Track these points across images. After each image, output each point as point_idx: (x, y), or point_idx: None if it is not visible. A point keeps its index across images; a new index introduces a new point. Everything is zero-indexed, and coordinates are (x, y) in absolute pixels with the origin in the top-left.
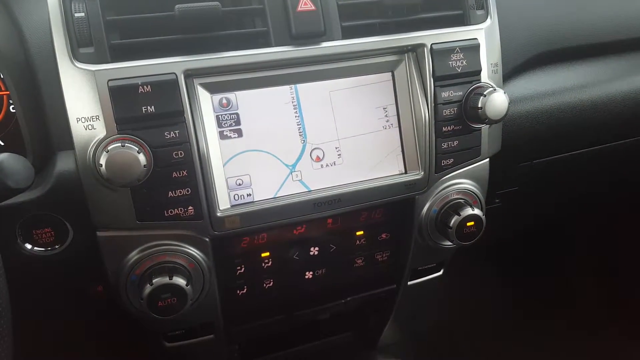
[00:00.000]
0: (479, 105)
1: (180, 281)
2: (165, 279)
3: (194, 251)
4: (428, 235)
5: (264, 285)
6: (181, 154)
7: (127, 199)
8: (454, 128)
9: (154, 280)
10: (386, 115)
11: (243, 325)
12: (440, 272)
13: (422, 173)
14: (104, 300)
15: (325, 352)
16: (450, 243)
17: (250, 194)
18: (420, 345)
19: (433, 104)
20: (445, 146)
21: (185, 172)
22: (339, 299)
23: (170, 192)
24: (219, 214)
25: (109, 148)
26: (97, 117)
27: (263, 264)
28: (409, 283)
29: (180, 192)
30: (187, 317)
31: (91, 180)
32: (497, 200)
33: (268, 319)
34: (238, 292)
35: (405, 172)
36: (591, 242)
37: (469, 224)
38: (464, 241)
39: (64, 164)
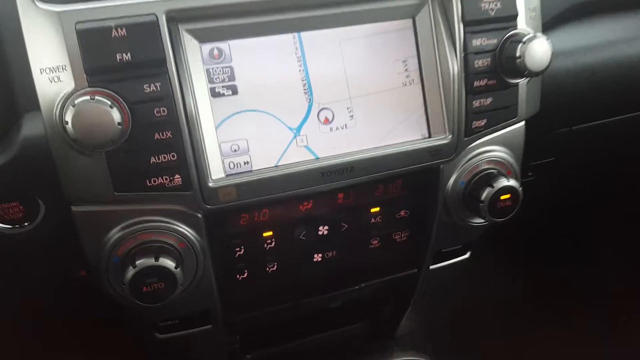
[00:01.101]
0: (517, 55)
1: (168, 263)
2: (151, 261)
3: (184, 229)
4: (455, 211)
5: (267, 269)
6: (164, 111)
7: (102, 166)
8: (487, 83)
9: (137, 262)
10: (406, 70)
11: (244, 315)
12: (467, 255)
13: (450, 137)
14: (88, 287)
15: (336, 345)
16: (480, 220)
17: (247, 162)
18: (440, 336)
19: (462, 54)
20: (477, 105)
21: (169, 134)
22: (352, 285)
23: (152, 158)
24: (211, 185)
25: (76, 102)
26: (64, 68)
27: (265, 245)
28: (431, 267)
29: (164, 157)
30: (180, 305)
31: (60, 143)
32: (530, 174)
33: (272, 307)
34: (238, 276)
35: (429, 137)
36: (636, 225)
37: (503, 197)
38: (497, 217)
39: (30, 127)
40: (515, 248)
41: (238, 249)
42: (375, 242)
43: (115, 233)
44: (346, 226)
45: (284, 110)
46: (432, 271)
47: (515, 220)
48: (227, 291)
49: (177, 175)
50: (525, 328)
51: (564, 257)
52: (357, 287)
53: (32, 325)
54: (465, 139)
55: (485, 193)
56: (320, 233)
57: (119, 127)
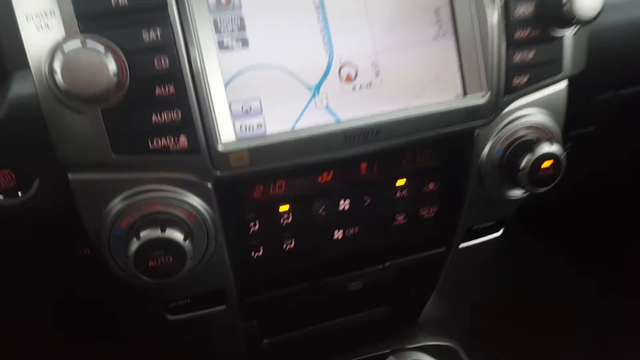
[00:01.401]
0: (564, 1)
1: (176, 235)
2: (157, 232)
3: (193, 200)
4: (489, 183)
5: (284, 246)
6: (165, 62)
7: (98, 126)
8: (529, 33)
9: (141, 234)
10: (438, 21)
11: (260, 295)
12: (499, 233)
13: (488, 95)
14: (93, 264)
15: (356, 330)
16: (518, 192)
17: (261, 125)
18: (466, 322)
19: (502, 1)
20: (518, 58)
21: (172, 89)
22: (375, 264)
23: (154, 116)
24: (221, 148)
25: (65, 49)
26: (52, 13)
27: (282, 220)
28: (461, 246)
29: (167, 115)
30: (192, 282)
31: (51, 100)
32: (568, 145)
33: (289, 288)
34: (252, 254)
35: (465, 95)
36: None
37: (545, 164)
38: (537, 187)
39: (20, 86)
40: (546, 228)
41: (252, 224)
42: (401, 217)
43: (117, 204)
44: (369, 200)
45: (301, 66)
46: (462, 250)
47: (548, 197)
48: (242, 269)
49: (182, 136)
50: (559, 316)
51: (599, 239)
52: (380, 267)
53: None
54: (505, 97)
55: (525, 160)
56: (340, 208)
57: (115, 78)
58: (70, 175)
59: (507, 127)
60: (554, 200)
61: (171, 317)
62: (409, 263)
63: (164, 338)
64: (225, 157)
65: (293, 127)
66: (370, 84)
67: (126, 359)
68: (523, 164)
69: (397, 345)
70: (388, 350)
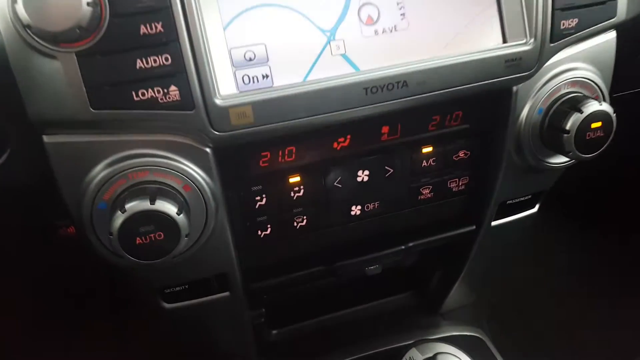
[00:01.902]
0: None
1: (168, 207)
2: (145, 204)
3: (189, 167)
4: (529, 148)
5: (295, 224)
6: None
7: (73, 72)
8: None
9: (127, 206)
10: None
11: (268, 280)
12: (535, 209)
13: (532, 42)
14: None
15: (373, 319)
16: (560, 160)
17: (267, 75)
18: (494, 308)
19: None
20: None
21: (159, 27)
22: (396, 245)
23: (139, 61)
24: (219, 102)
25: None
26: None
27: (292, 194)
28: (493, 223)
29: (154, 60)
30: (189, 265)
31: (17, 44)
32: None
33: (300, 272)
34: (259, 232)
35: (504, 43)
36: None
37: (594, 125)
38: (585, 152)
39: None
40: (579, 206)
41: (259, 197)
42: (427, 191)
43: (99, 171)
44: (391, 171)
45: (314, 5)
46: (493, 229)
47: (591, 169)
48: (247, 250)
49: (172, 87)
50: (592, 305)
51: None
52: (402, 248)
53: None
54: (551, 44)
55: (572, 121)
56: (359, 179)
57: (89, 9)
58: (45, 138)
59: (550, 83)
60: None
61: (167, 306)
62: (435, 244)
63: (160, 330)
64: (224, 114)
65: (305, 79)
66: (394, 27)
67: (120, 353)
68: (569, 124)
69: (419, 336)
70: (410, 342)
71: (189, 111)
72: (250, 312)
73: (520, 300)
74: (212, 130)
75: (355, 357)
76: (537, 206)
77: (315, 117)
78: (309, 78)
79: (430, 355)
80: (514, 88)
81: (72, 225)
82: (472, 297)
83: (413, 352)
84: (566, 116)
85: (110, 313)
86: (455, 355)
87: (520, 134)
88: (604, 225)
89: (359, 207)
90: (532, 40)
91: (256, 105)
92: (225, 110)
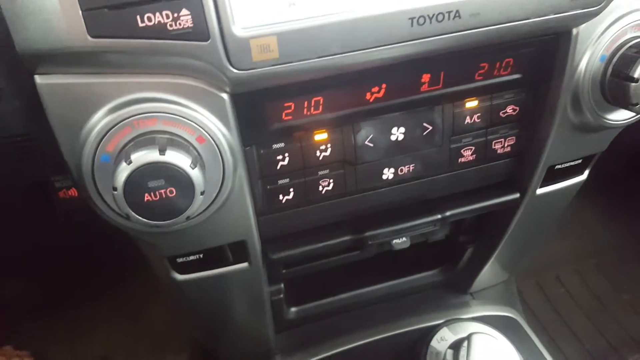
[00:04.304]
0: None
1: (182, 159)
2: (154, 154)
3: (203, 115)
4: (588, 102)
5: (320, 188)
6: None
7: None
8: None
9: (133, 156)
10: None
11: (289, 251)
12: (584, 176)
13: None
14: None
15: (400, 298)
16: (624, 115)
17: (294, 2)
18: (528, 287)
19: None
20: None
21: None
22: (433, 213)
23: None
24: (239, 32)
25: None
26: None
27: (318, 153)
28: (539, 191)
29: None
30: (204, 231)
31: None
32: None
33: (325, 242)
34: (281, 197)
35: None
36: None
37: None
38: None
39: None
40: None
41: (280, 156)
42: (468, 152)
43: (100, 118)
44: (430, 128)
45: None
46: (537, 198)
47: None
48: (268, 217)
49: (184, 11)
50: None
51: None
52: (439, 217)
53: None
54: None
55: None
56: (393, 137)
57: None
58: (37, 79)
59: (614, 26)
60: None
61: (179, 277)
62: (473, 214)
63: (172, 304)
64: (244, 46)
65: (337, 6)
66: None
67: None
68: (638, 72)
69: (449, 316)
70: (440, 322)
71: (203, 42)
72: (269, 287)
73: (554, 277)
74: (230, 68)
75: (380, 337)
76: (586, 172)
77: (350, 54)
78: (343, 6)
79: (464, 335)
80: (574, 31)
81: (73, 183)
82: (504, 275)
83: (444, 332)
84: (634, 62)
85: (117, 284)
86: (491, 335)
87: (579, 85)
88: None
89: (391, 169)
90: None
91: (282, 37)
92: (245, 41)
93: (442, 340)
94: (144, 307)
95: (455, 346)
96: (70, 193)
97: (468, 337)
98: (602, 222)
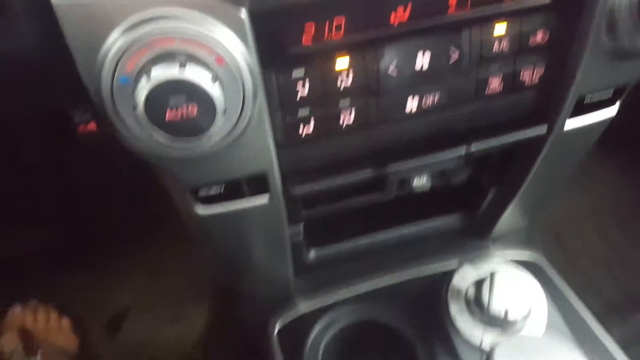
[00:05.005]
0: None
1: (202, 73)
2: (174, 70)
3: (222, 34)
4: (624, 27)
5: (341, 119)
6: None
7: None
8: None
9: (153, 73)
10: None
11: (309, 184)
12: (616, 108)
13: None
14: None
15: (419, 242)
16: None
17: None
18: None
19: None
20: None
21: None
22: (458, 145)
23: None
24: None
25: None
26: None
27: (339, 81)
28: (566, 125)
29: None
30: (226, 160)
31: None
32: None
33: (347, 175)
34: (301, 128)
35: None
36: None
37: None
38: None
39: None
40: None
41: (300, 85)
42: (496, 82)
43: (116, 38)
44: (457, 54)
45: None
46: (566, 133)
47: None
48: (288, 150)
49: None
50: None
51: None
52: (464, 149)
53: None
54: None
55: None
56: (418, 65)
57: None
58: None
59: None
60: None
61: (202, 212)
62: (499, 148)
63: (194, 247)
64: None
65: None
66: None
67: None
68: None
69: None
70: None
71: None
72: (289, 228)
73: (578, 220)
74: None
75: (399, 280)
76: (617, 104)
77: None
78: None
79: (486, 272)
80: None
81: (92, 114)
82: (526, 220)
83: (465, 270)
84: None
85: (138, 236)
86: (514, 272)
87: (615, 6)
88: None
89: (416, 99)
90: None
91: None
92: None
93: (463, 279)
94: (166, 260)
95: (478, 283)
96: (89, 127)
97: (491, 274)
98: (621, 180)
